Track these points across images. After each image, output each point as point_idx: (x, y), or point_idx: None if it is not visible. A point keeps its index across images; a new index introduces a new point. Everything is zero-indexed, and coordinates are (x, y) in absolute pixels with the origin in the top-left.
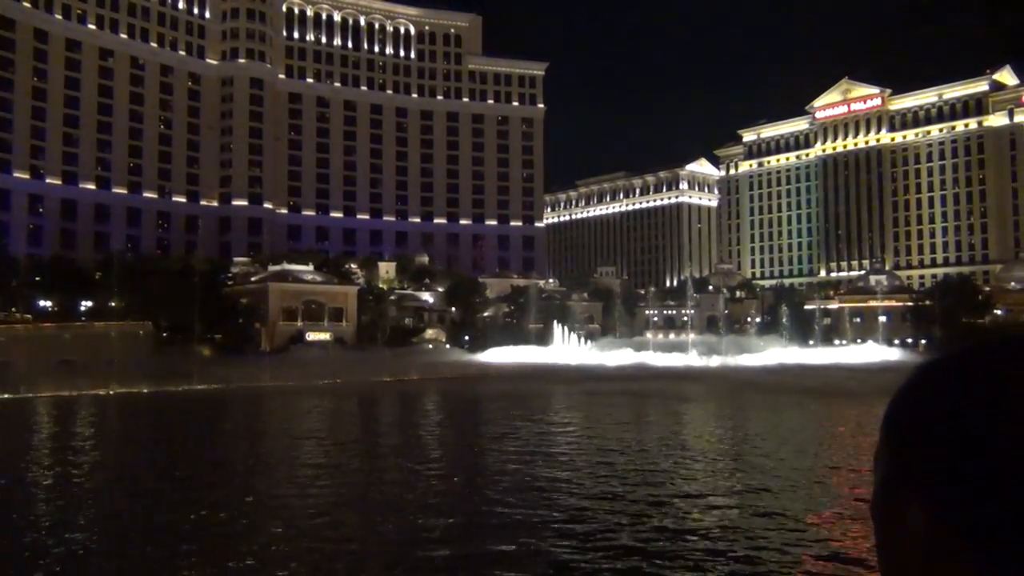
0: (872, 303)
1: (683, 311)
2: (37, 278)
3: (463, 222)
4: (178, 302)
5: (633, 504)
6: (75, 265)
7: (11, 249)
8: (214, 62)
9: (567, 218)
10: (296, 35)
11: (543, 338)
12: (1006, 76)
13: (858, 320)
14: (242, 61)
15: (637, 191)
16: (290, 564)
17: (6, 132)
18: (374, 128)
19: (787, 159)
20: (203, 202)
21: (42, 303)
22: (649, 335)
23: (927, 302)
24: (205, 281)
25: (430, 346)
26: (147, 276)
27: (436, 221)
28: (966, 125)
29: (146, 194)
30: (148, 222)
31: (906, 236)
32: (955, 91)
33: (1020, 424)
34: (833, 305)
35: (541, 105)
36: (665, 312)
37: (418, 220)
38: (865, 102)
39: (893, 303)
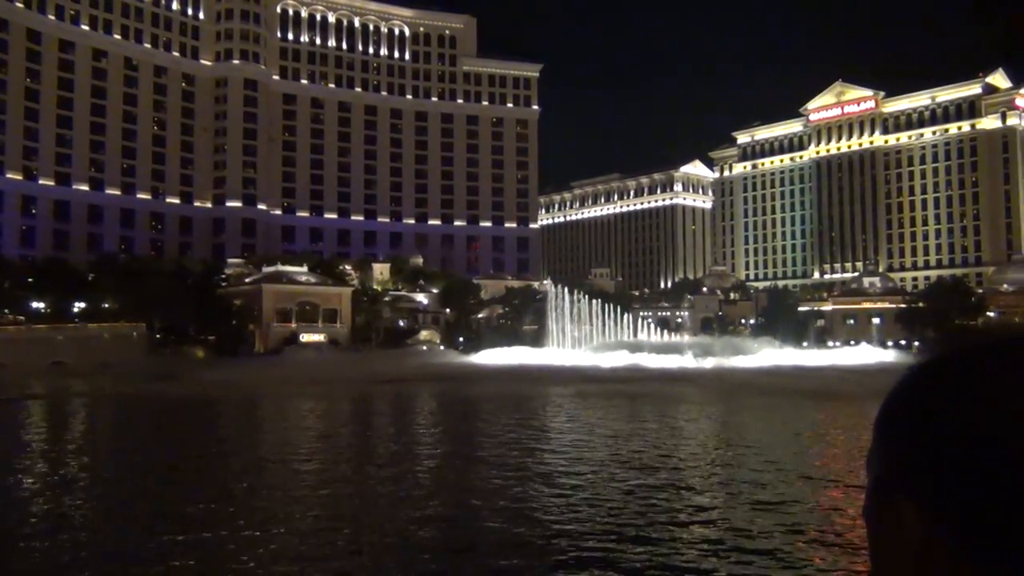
0: (865, 305)
1: (677, 313)
2: (30, 279)
3: (457, 223)
4: (172, 304)
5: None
6: (68, 266)
7: (3, 250)
8: (208, 63)
9: (561, 219)
10: (290, 36)
11: (537, 339)
12: (999, 79)
13: (851, 322)
14: (236, 62)
15: (631, 193)
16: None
17: None
18: (368, 129)
19: (781, 161)
20: (197, 203)
21: (35, 305)
22: (644, 336)
23: (920, 304)
24: (199, 282)
25: (424, 348)
26: (140, 277)
27: (431, 222)
28: (959, 128)
29: (139, 195)
30: (142, 223)
31: (899, 238)
32: (948, 94)
33: (1012, 425)
34: (827, 307)
35: (535, 106)
36: (659, 314)
37: (412, 221)
38: (859, 104)
39: (886, 305)
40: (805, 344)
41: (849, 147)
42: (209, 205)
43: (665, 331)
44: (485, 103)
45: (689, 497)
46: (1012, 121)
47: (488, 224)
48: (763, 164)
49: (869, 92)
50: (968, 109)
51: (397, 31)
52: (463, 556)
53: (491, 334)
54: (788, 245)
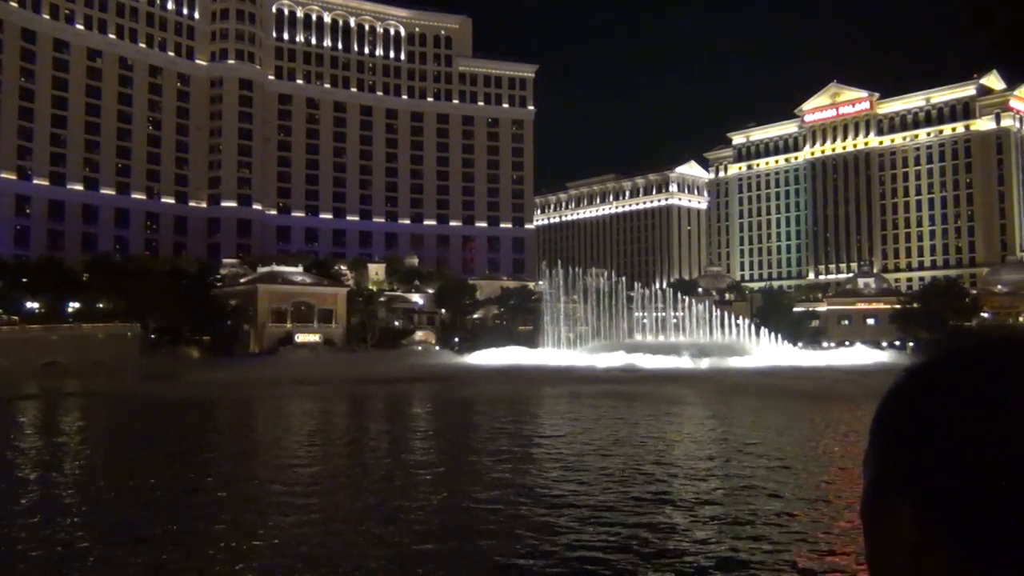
0: (860, 305)
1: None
2: (24, 279)
3: (453, 224)
4: (166, 304)
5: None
6: (62, 266)
7: None
8: (203, 63)
9: (557, 220)
10: (286, 36)
11: (533, 340)
12: (993, 80)
13: (846, 322)
14: (231, 62)
15: (627, 193)
16: None
17: None
18: (364, 130)
19: (776, 162)
20: (192, 203)
21: (29, 305)
22: (639, 337)
23: (914, 305)
24: (194, 283)
25: (420, 348)
26: (135, 278)
27: (426, 223)
28: (953, 129)
29: (134, 195)
30: (136, 223)
31: (894, 239)
32: (943, 95)
33: (1007, 425)
34: (821, 307)
35: (531, 107)
36: (655, 314)
37: (408, 222)
38: (854, 105)
39: (881, 306)
40: (800, 344)
41: (844, 148)
42: (204, 205)
43: (661, 332)
44: (481, 103)
45: (672, 515)
46: (1006, 122)
47: (484, 224)
48: (758, 165)
49: (864, 93)
50: (963, 110)
51: (393, 31)
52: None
53: (487, 334)
54: (783, 246)
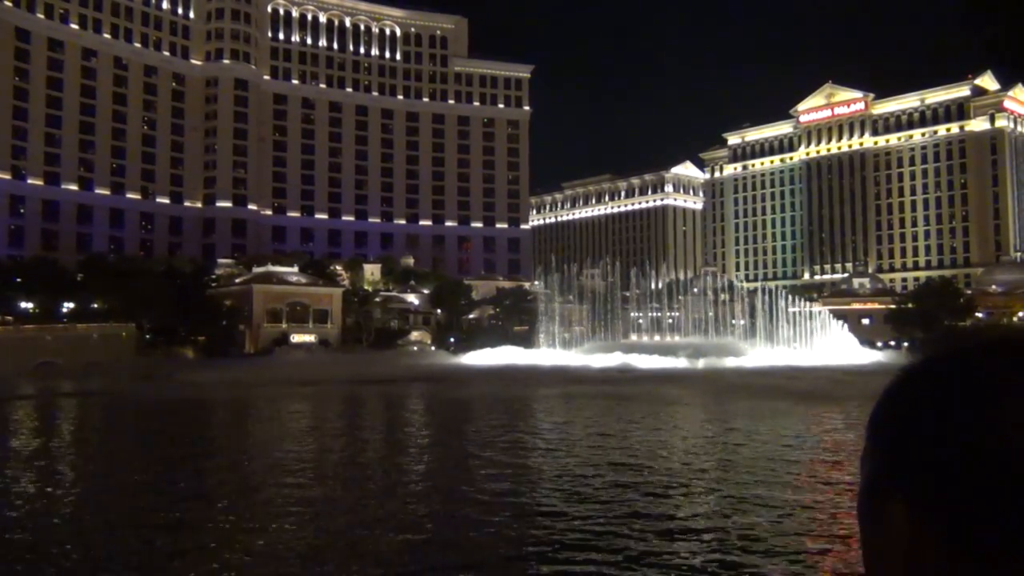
0: (855, 306)
1: (669, 313)
2: (18, 279)
3: (449, 224)
4: (161, 304)
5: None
6: (57, 266)
7: None
8: (198, 63)
9: (553, 220)
10: (281, 36)
11: (529, 340)
12: (987, 81)
13: (841, 322)
14: (227, 62)
15: (622, 193)
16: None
17: None
18: (359, 130)
19: (771, 162)
20: (187, 203)
21: (23, 305)
22: (635, 337)
23: (909, 305)
24: (189, 283)
25: (415, 348)
26: (130, 278)
27: (422, 223)
28: (948, 130)
29: (129, 195)
30: (131, 223)
31: (889, 239)
32: (937, 96)
33: (999, 425)
34: (816, 308)
35: (527, 107)
36: (651, 314)
37: (403, 222)
38: (848, 106)
39: (876, 306)
40: (795, 345)
41: (839, 148)
42: (199, 205)
43: (656, 332)
44: (476, 104)
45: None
46: (1001, 123)
47: (479, 225)
48: (753, 165)
49: (859, 94)
50: (957, 111)
51: (388, 31)
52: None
53: (482, 335)
54: (778, 246)
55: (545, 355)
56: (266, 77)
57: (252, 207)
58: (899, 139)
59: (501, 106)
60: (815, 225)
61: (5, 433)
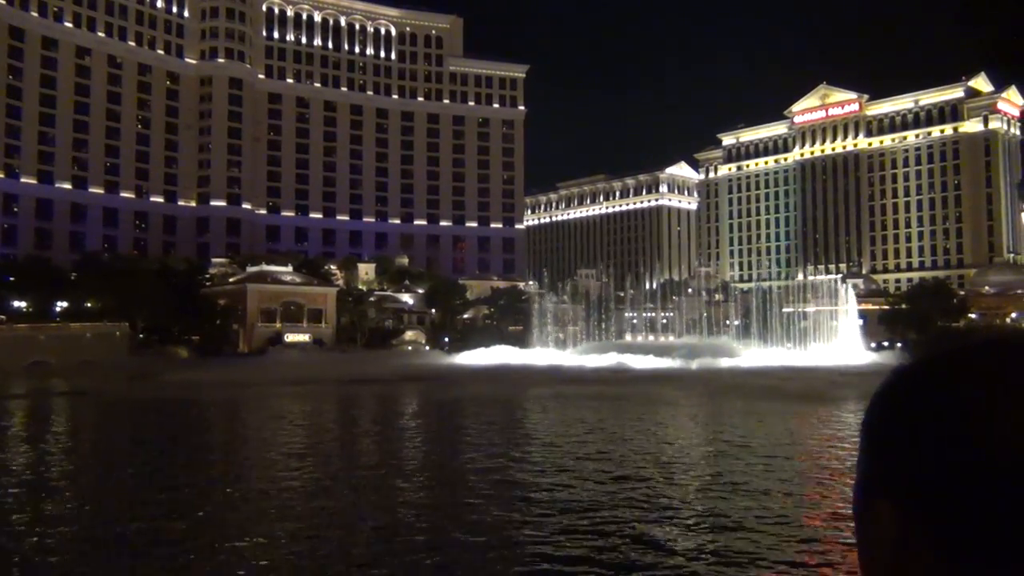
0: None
1: (663, 314)
2: (11, 278)
3: (443, 224)
4: (155, 303)
5: None
6: (50, 265)
7: None
8: (193, 61)
9: (547, 220)
10: (276, 35)
11: (523, 340)
12: (981, 83)
13: (835, 323)
14: (221, 61)
15: (617, 194)
16: None
17: None
18: (354, 129)
19: (766, 163)
20: (181, 202)
21: (16, 304)
22: (629, 337)
23: (903, 306)
24: (183, 282)
25: (409, 348)
26: (124, 277)
27: (416, 223)
28: (942, 131)
29: (123, 194)
30: (125, 222)
31: (882, 240)
32: (931, 97)
33: (985, 426)
34: (810, 308)
35: (522, 107)
36: (645, 314)
37: (398, 221)
38: (843, 107)
39: (869, 306)
40: (789, 345)
41: (833, 149)
42: (193, 204)
43: (651, 332)
44: (471, 103)
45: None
46: (994, 124)
47: (474, 224)
48: (748, 166)
49: (853, 95)
50: (951, 112)
51: (383, 31)
52: None
53: (477, 335)
54: (772, 246)
55: (539, 355)
56: (261, 76)
57: (246, 206)
58: (893, 140)
59: (496, 106)
60: (809, 226)
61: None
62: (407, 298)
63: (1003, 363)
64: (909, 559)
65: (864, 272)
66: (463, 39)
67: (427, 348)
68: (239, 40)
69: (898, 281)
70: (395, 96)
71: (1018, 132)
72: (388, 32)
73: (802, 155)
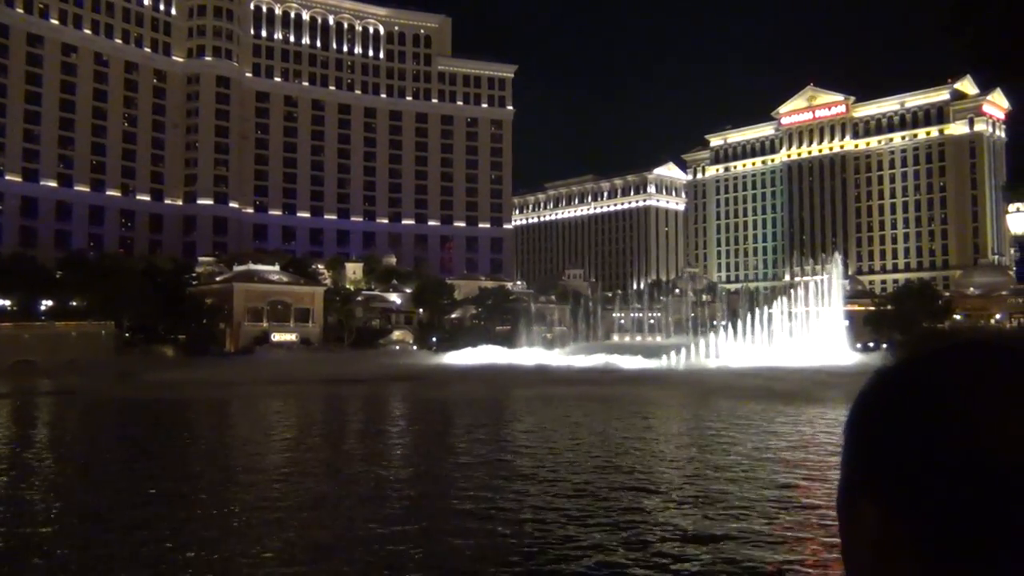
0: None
1: (650, 314)
2: None
3: (431, 223)
4: (141, 302)
5: None
6: (35, 264)
7: None
8: (180, 59)
9: (535, 220)
10: (264, 33)
11: (511, 340)
12: (967, 86)
13: (820, 324)
14: (209, 59)
15: (605, 194)
16: None
17: None
18: (342, 128)
19: (753, 164)
20: (167, 201)
21: (0, 302)
22: (616, 337)
23: (888, 307)
24: (169, 281)
25: (397, 347)
26: (109, 275)
27: (404, 222)
28: (928, 133)
29: (109, 192)
30: (111, 220)
31: (868, 241)
32: (917, 100)
33: (965, 426)
34: (796, 309)
35: (510, 107)
36: (632, 315)
37: (386, 221)
38: (829, 109)
39: (855, 307)
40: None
41: (820, 151)
42: (180, 203)
43: (638, 332)
44: (460, 103)
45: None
46: (979, 127)
47: (462, 224)
48: (735, 167)
49: (840, 97)
50: (937, 115)
51: (372, 30)
52: None
53: (464, 334)
54: (759, 247)
55: (527, 355)
56: (248, 74)
57: (233, 205)
58: (879, 142)
59: (484, 106)
60: (796, 227)
61: None
62: (395, 298)
63: (985, 364)
64: (892, 559)
65: (850, 273)
66: (451, 39)
67: (415, 348)
68: (227, 38)
69: (884, 282)
70: (383, 95)
71: (1003, 135)
72: (376, 31)
73: (789, 156)
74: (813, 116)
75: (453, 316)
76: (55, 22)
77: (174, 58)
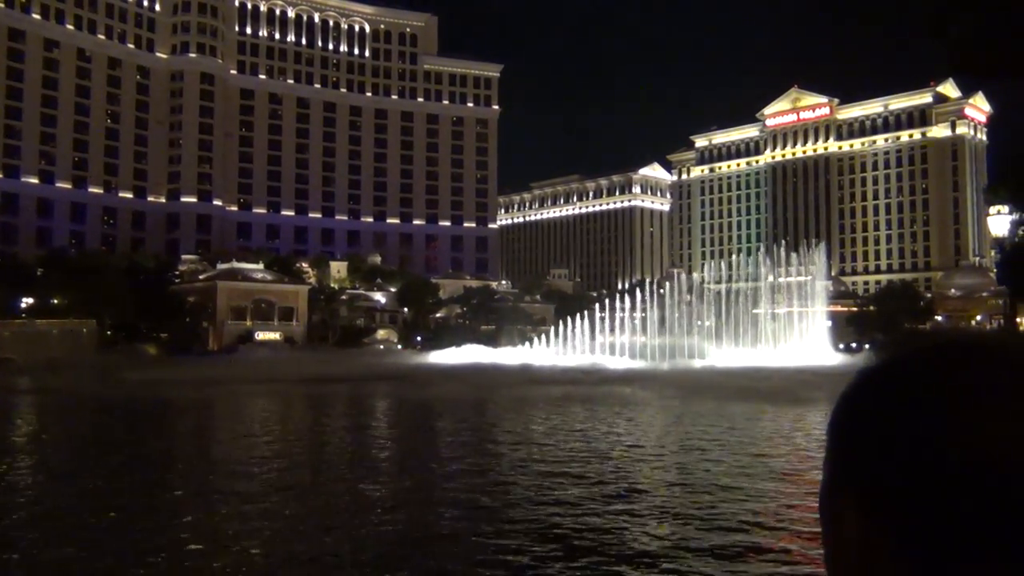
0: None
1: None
2: None
3: (416, 222)
4: (123, 300)
5: None
6: (16, 261)
7: None
8: (164, 56)
9: (520, 220)
10: (249, 30)
11: (496, 339)
12: (949, 89)
13: (804, 324)
14: (193, 55)
15: (590, 194)
16: None
17: None
18: (327, 126)
19: (738, 165)
20: (150, 198)
21: None
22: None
23: (871, 307)
24: (151, 279)
25: (381, 347)
26: (91, 273)
27: (389, 221)
28: (910, 135)
29: (91, 189)
30: (93, 218)
31: (852, 243)
32: (900, 102)
33: (945, 427)
34: (780, 309)
35: (496, 106)
36: (617, 315)
37: (371, 220)
38: (814, 111)
39: (838, 308)
40: (759, 346)
41: (804, 152)
42: (163, 200)
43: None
44: (445, 102)
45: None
46: (961, 130)
47: (447, 223)
48: (720, 168)
49: (824, 99)
50: (919, 117)
51: (357, 28)
52: None
53: (449, 333)
54: (744, 248)
55: (511, 354)
56: (233, 72)
57: (217, 203)
58: (863, 144)
59: (470, 105)
60: (780, 228)
61: None
62: (379, 297)
63: (967, 365)
64: (874, 560)
65: (833, 274)
66: (438, 38)
67: (399, 347)
68: (211, 35)
69: (867, 283)
70: (369, 94)
71: (984, 137)
72: (362, 29)
73: (773, 157)
74: (797, 118)
75: (438, 315)
76: (37, 17)
77: (158, 55)
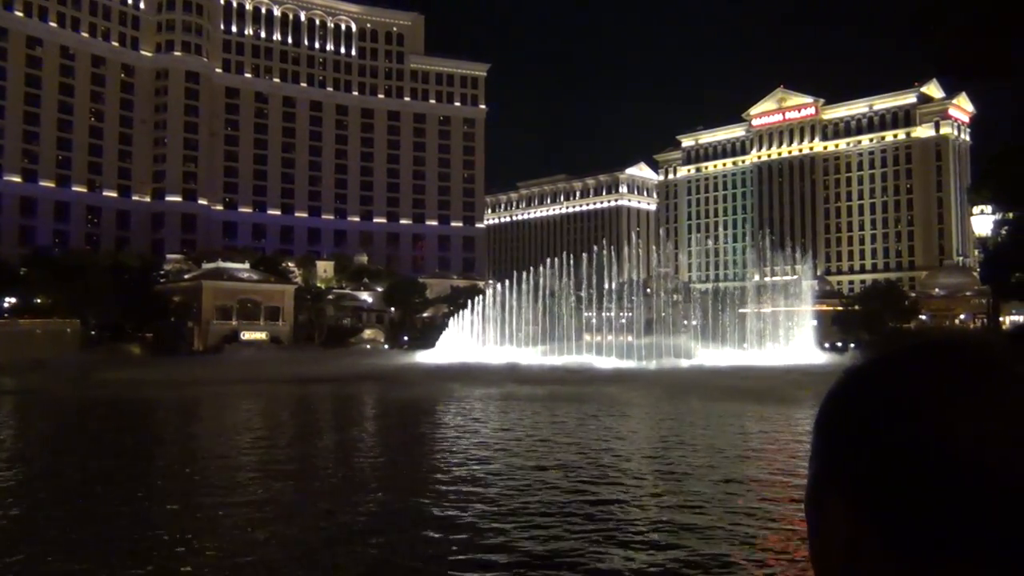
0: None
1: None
2: None
3: (403, 222)
4: (108, 300)
5: None
6: None
7: None
8: (148, 54)
9: (507, 219)
10: (234, 29)
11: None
12: (933, 89)
13: (790, 324)
14: (178, 54)
15: (577, 194)
16: None
17: None
18: (313, 125)
19: (724, 165)
20: (135, 197)
21: None
22: (587, 337)
23: (855, 307)
24: (136, 278)
25: (368, 346)
26: (75, 273)
27: (376, 220)
28: (895, 136)
29: (75, 188)
30: (77, 217)
31: (837, 242)
32: (885, 102)
33: (929, 426)
34: (766, 309)
35: (483, 106)
36: (604, 314)
37: (357, 219)
38: (799, 111)
39: (823, 307)
40: (745, 345)
41: (790, 152)
42: (148, 199)
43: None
44: (432, 101)
45: None
46: (945, 130)
47: (434, 223)
48: (706, 168)
49: (810, 99)
50: (904, 117)
51: (344, 27)
52: None
53: (436, 333)
54: (730, 248)
55: (498, 353)
56: (218, 70)
57: (202, 202)
58: (848, 144)
59: (457, 104)
60: (766, 228)
61: None
62: (366, 296)
63: (950, 364)
64: (860, 557)
65: (819, 273)
66: (425, 37)
67: (386, 347)
68: (196, 33)
69: (851, 283)
70: (355, 93)
71: (968, 138)
72: (349, 28)
73: (759, 157)
74: (783, 118)
75: (425, 315)
76: (19, 14)
77: (142, 53)
